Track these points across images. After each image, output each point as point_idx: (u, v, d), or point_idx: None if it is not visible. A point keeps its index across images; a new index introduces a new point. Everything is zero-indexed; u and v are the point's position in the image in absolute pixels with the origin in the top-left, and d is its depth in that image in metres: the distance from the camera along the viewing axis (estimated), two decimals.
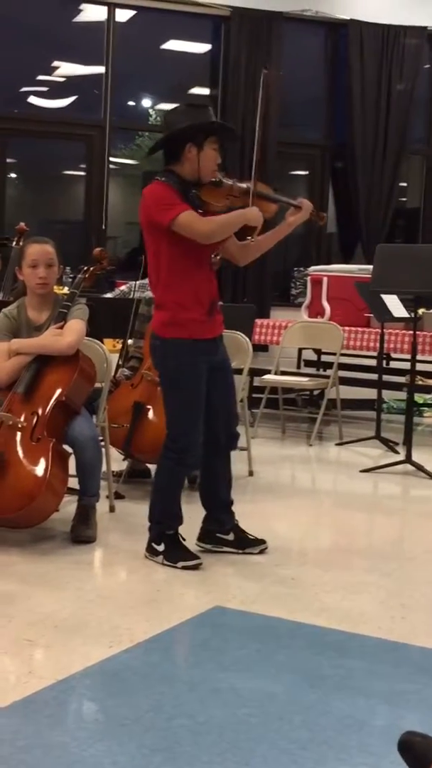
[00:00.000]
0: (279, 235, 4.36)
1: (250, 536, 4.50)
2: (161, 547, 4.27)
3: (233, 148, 9.81)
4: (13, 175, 11.34)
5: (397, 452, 6.90)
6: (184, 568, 4.19)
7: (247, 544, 4.47)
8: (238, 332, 6.06)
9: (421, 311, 7.21)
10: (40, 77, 10.88)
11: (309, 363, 8.81)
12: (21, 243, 5.51)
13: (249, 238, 4.20)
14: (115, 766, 2.51)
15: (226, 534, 4.47)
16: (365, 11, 10.49)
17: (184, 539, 4.31)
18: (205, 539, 4.48)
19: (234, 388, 4.48)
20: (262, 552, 4.46)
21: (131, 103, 11.75)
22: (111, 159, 10.27)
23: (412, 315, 6.77)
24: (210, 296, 4.21)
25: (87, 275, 4.93)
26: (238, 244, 4.34)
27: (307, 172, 11.25)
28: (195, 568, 4.19)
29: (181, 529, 4.33)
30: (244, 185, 4.17)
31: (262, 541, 4.50)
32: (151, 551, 4.29)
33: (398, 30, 10.52)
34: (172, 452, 4.23)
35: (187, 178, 4.13)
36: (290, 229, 4.33)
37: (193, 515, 4.50)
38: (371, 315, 7.72)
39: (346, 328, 7.79)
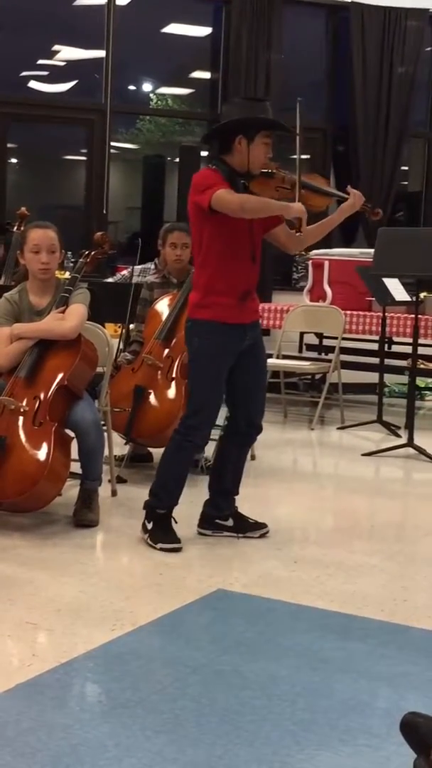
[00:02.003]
0: (329, 226, 4.40)
1: (250, 520, 4.51)
2: (149, 525, 4.29)
3: None
4: (14, 160, 11.31)
5: (398, 436, 6.91)
6: (162, 549, 4.20)
7: (247, 528, 4.48)
8: None
9: (422, 295, 7.21)
10: (41, 61, 10.85)
11: (311, 347, 8.81)
12: (22, 228, 5.50)
13: (296, 232, 4.22)
14: (118, 748, 2.52)
15: (224, 519, 4.48)
16: None
17: (175, 521, 4.32)
18: (205, 524, 4.50)
19: (264, 380, 4.50)
20: (262, 536, 4.47)
21: (132, 87, 11.72)
22: (112, 143, 10.25)
23: (414, 298, 6.76)
24: (245, 285, 4.23)
25: (88, 260, 4.92)
26: (288, 232, 4.35)
27: (308, 156, 11.22)
28: (173, 551, 4.20)
29: (183, 513, 4.33)
30: (295, 177, 4.18)
31: (263, 525, 4.51)
32: (143, 528, 4.32)
33: (399, 12, 10.48)
34: (183, 427, 4.27)
35: (237, 168, 4.17)
36: (341, 219, 4.37)
37: (195, 500, 4.51)
38: (373, 299, 7.72)
39: (348, 311, 7.78)
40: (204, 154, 10.59)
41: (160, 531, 4.26)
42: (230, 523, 4.49)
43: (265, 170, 4.22)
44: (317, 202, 4.31)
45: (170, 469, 4.33)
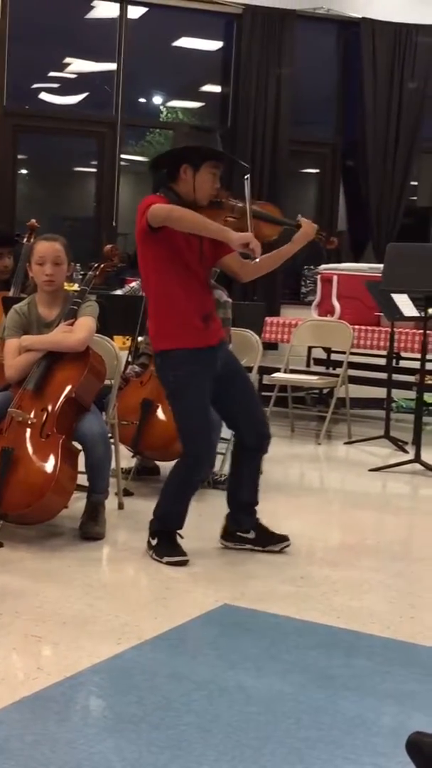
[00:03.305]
0: (283, 256, 4.31)
1: (272, 533, 4.49)
2: (154, 542, 4.28)
3: (243, 152, 9.83)
4: (24, 171, 11.35)
5: (406, 451, 6.89)
6: (169, 563, 4.19)
7: (269, 541, 4.47)
8: (247, 330, 6.05)
9: (431, 310, 7.19)
10: (52, 74, 10.91)
11: (318, 361, 8.80)
12: (32, 239, 5.52)
13: (252, 260, 4.15)
14: (123, 763, 2.51)
15: (246, 533, 4.47)
16: (377, 10, 10.49)
17: (181, 537, 4.31)
18: (228, 537, 4.49)
19: (253, 391, 4.49)
20: (283, 549, 4.46)
21: (142, 100, 11.77)
22: (122, 156, 10.29)
23: (423, 314, 6.75)
24: (204, 309, 4.19)
25: (97, 272, 4.93)
26: (240, 260, 4.31)
27: (317, 171, 11.25)
28: (179, 564, 4.19)
29: (189, 526, 4.33)
30: (246, 207, 4.11)
31: (285, 538, 4.49)
32: (147, 545, 4.31)
33: (410, 28, 10.52)
34: (186, 466, 4.26)
35: (184, 197, 4.12)
36: (294, 250, 4.30)
37: (202, 513, 4.50)
38: (381, 314, 7.71)
39: (356, 326, 7.78)
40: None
41: (165, 546, 4.26)
42: (252, 535, 4.47)
43: (214, 200, 4.16)
44: (268, 231, 4.21)
45: (175, 497, 4.30)
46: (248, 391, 4.44)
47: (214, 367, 4.21)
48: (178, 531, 4.30)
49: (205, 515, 4.80)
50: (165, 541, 4.26)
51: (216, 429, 5.25)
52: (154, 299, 4.20)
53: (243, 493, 4.46)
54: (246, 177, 4.14)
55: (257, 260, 4.09)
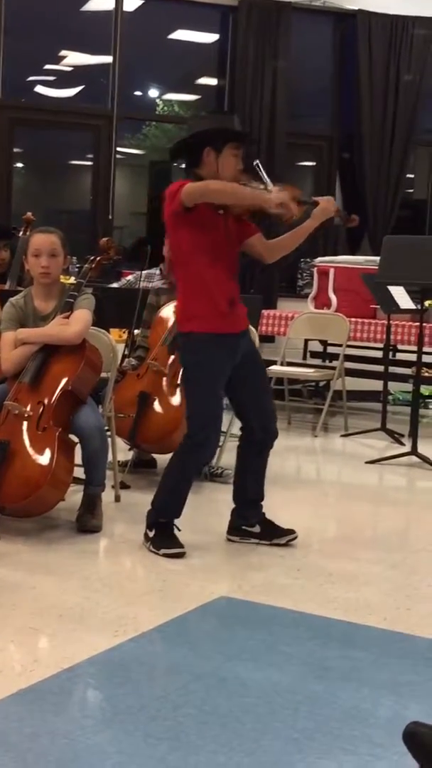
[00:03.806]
0: (304, 233, 4.33)
1: (278, 527, 4.50)
2: (152, 533, 4.28)
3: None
4: (20, 165, 11.33)
5: (402, 444, 6.90)
6: (165, 555, 4.20)
7: (274, 534, 4.47)
8: None
9: (427, 303, 7.18)
10: (48, 66, 10.88)
11: (315, 354, 8.80)
12: (28, 233, 5.51)
13: (287, 222, 4.13)
14: (120, 755, 2.52)
15: (251, 527, 4.48)
16: (374, 1, 10.48)
17: (179, 529, 4.31)
18: (233, 532, 4.50)
19: (267, 385, 4.50)
20: (289, 542, 4.46)
21: (138, 92, 11.75)
22: (118, 149, 10.27)
23: (419, 306, 6.76)
24: (229, 293, 4.20)
25: (93, 265, 4.92)
26: (264, 242, 4.34)
27: (314, 163, 11.24)
28: (177, 556, 4.19)
29: (186, 519, 4.33)
30: (269, 187, 4.15)
31: (291, 531, 4.49)
32: (144, 537, 4.31)
33: (406, 20, 10.50)
34: (188, 446, 4.26)
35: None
36: (315, 225, 4.30)
37: (198, 506, 4.50)
38: (378, 306, 7.71)
39: (353, 319, 7.78)
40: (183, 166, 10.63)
41: (162, 537, 4.26)
42: (257, 529, 4.48)
43: (237, 183, 4.16)
44: (293, 210, 4.26)
45: (174, 485, 4.31)
46: (263, 385, 4.45)
47: (234, 355, 4.23)
48: (176, 523, 4.31)
49: (202, 508, 4.81)
50: (162, 533, 4.26)
51: None
52: (182, 281, 4.23)
53: (249, 489, 4.47)
54: (256, 162, 4.16)
55: (292, 219, 4.08)
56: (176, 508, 4.31)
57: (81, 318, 4.57)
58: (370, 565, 4.30)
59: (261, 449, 4.46)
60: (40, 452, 4.36)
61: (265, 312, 8.28)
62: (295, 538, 4.49)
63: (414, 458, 6.38)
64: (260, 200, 4.05)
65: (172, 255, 4.29)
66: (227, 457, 5.13)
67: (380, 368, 7.69)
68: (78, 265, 6.37)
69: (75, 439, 4.56)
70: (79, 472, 4.63)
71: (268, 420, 4.42)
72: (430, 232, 11.11)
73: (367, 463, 6.42)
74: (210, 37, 10.92)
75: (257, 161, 4.17)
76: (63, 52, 10.77)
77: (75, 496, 4.73)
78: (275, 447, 4.53)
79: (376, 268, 6.87)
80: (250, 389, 4.33)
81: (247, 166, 4.21)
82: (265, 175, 4.13)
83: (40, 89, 10.72)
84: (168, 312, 5.62)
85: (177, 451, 4.33)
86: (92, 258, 4.96)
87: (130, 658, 3.16)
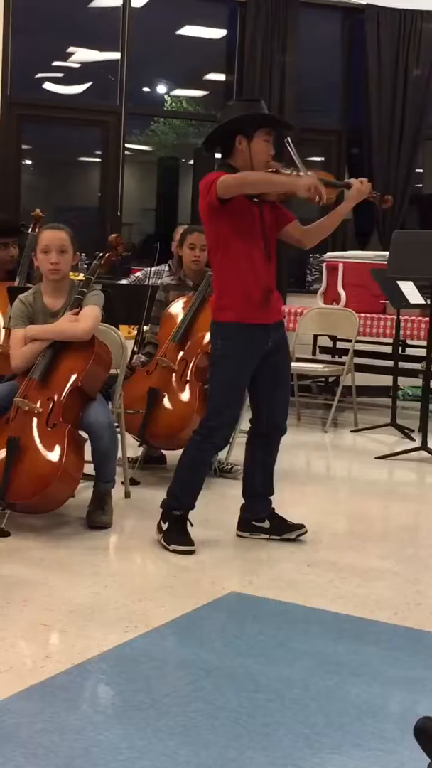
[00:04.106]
0: (340, 216, 4.35)
1: (288, 522, 4.50)
2: (165, 526, 4.29)
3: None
4: (29, 161, 11.34)
5: (412, 439, 6.89)
6: (175, 551, 4.21)
7: (284, 529, 4.47)
8: None
9: None
10: (56, 63, 10.87)
11: (324, 350, 8.79)
12: (36, 229, 5.51)
13: (320, 202, 4.12)
14: (131, 750, 2.52)
15: (261, 522, 4.48)
16: None
17: (191, 524, 4.32)
18: (243, 527, 4.50)
19: (287, 382, 4.51)
20: (299, 537, 4.46)
21: (146, 89, 11.73)
22: (126, 145, 10.26)
23: (428, 301, 6.74)
24: (265, 283, 4.23)
25: (102, 261, 4.92)
26: (300, 228, 4.36)
27: (322, 159, 11.22)
28: (186, 553, 4.20)
29: (195, 515, 4.33)
30: (301, 170, 4.15)
31: (301, 526, 4.50)
32: (158, 528, 4.33)
33: (415, 15, 10.46)
34: (204, 429, 4.29)
35: (243, 169, 4.16)
36: (350, 207, 4.33)
37: (208, 501, 4.50)
38: (387, 301, 7.70)
39: (362, 314, 7.77)
40: (219, 156, 10.61)
41: (174, 532, 4.26)
42: (266, 525, 4.48)
43: (270, 170, 4.19)
44: (327, 193, 4.28)
45: (189, 469, 4.33)
46: (282, 380, 4.45)
47: (264, 346, 4.25)
48: (189, 518, 4.30)
49: (212, 504, 4.81)
50: (175, 527, 4.27)
51: None
52: (218, 271, 4.25)
53: (257, 481, 4.48)
54: (287, 139, 4.19)
55: (327, 201, 4.10)
56: (190, 498, 4.31)
57: (90, 314, 4.57)
58: (380, 561, 4.30)
59: (266, 443, 4.46)
60: (50, 449, 4.36)
61: None
62: (305, 532, 4.49)
63: (424, 453, 6.37)
64: (291, 185, 4.07)
65: (209, 245, 4.32)
66: (237, 452, 5.13)
67: (390, 363, 7.68)
68: (87, 262, 6.38)
69: (85, 435, 4.56)
70: (89, 469, 4.64)
71: (277, 415, 4.42)
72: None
73: (377, 458, 6.42)
74: (218, 33, 10.90)
75: (288, 138, 4.18)
76: (71, 49, 10.76)
77: (85, 492, 4.74)
78: (285, 442, 4.53)
79: (386, 263, 6.86)
80: (268, 380, 4.34)
81: (278, 149, 4.22)
82: (296, 155, 4.14)
83: (48, 86, 10.71)
84: (177, 308, 5.63)
85: (191, 437, 4.35)
86: (101, 254, 4.96)
87: (140, 654, 3.16)
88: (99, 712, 2.79)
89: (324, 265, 8.66)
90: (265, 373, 4.31)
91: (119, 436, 4.88)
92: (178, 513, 4.29)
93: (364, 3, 10.40)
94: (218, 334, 4.26)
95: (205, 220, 4.24)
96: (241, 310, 4.18)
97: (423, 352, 6.88)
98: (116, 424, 4.87)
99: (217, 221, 4.17)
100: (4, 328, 5.07)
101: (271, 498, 4.51)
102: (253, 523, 4.49)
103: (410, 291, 7.16)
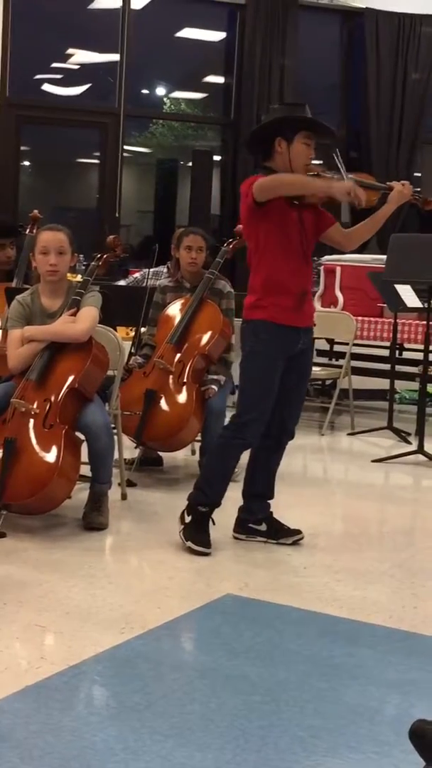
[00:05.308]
0: (382, 218, 4.37)
1: (285, 526, 4.50)
2: (188, 519, 4.30)
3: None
4: (27, 163, 11.34)
5: (409, 442, 6.89)
6: (190, 549, 4.21)
7: (281, 534, 4.47)
8: None
9: None
10: (55, 64, 10.89)
11: (321, 352, 8.79)
12: (35, 230, 5.51)
13: (359, 206, 4.17)
14: (126, 752, 2.52)
15: (258, 524, 4.48)
16: (381, 0, 10.46)
17: (214, 523, 4.32)
18: (239, 529, 4.51)
19: (305, 387, 4.54)
20: (296, 543, 4.46)
21: (145, 91, 11.76)
22: (125, 147, 10.27)
23: (426, 305, 6.75)
24: (301, 285, 4.26)
25: (100, 263, 4.93)
26: (342, 231, 4.40)
27: (320, 162, 11.23)
28: (200, 554, 4.20)
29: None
30: (343, 176, 4.16)
31: (297, 532, 4.49)
32: (180, 518, 4.34)
33: (414, 19, 10.50)
34: (233, 425, 4.32)
35: (281, 171, 4.18)
36: (392, 210, 4.34)
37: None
38: (384, 305, 7.70)
39: (359, 317, 7.77)
40: (217, 158, 10.61)
41: (195, 528, 4.28)
42: (263, 528, 4.49)
43: (310, 173, 4.21)
44: (370, 195, 4.30)
45: (217, 465, 4.38)
46: (300, 387, 4.48)
47: (293, 348, 4.28)
48: (212, 518, 4.31)
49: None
50: (197, 523, 4.28)
51: (220, 418, 5.27)
52: (255, 272, 4.27)
53: (258, 484, 4.48)
54: (335, 151, 4.21)
55: (365, 204, 4.14)
56: (216, 494, 4.33)
57: (88, 315, 4.57)
58: (376, 564, 4.30)
59: (274, 446, 4.48)
60: (47, 450, 4.36)
61: None
62: (302, 538, 4.49)
63: (420, 457, 6.37)
64: (327, 189, 4.11)
65: (249, 247, 4.32)
66: None
67: (387, 367, 7.68)
68: (85, 263, 6.38)
69: (81, 436, 4.56)
70: (85, 470, 4.64)
71: (289, 419, 4.46)
72: None
73: (373, 461, 6.42)
74: (217, 35, 10.92)
75: (337, 150, 4.20)
76: (70, 50, 10.78)
77: (81, 493, 4.74)
78: (284, 450, 4.53)
79: (383, 266, 6.86)
80: (286, 385, 4.35)
81: (323, 156, 4.27)
82: (341, 163, 4.16)
83: (47, 87, 10.73)
84: (174, 310, 5.63)
85: (221, 433, 4.40)
86: (99, 256, 4.96)
87: (136, 656, 3.16)
88: (94, 713, 2.79)
89: (322, 268, 8.66)
90: (288, 376, 4.33)
91: (116, 437, 4.87)
92: (204, 510, 4.30)
93: (363, 7, 10.43)
94: (250, 332, 4.28)
95: (245, 222, 4.27)
96: (275, 312, 4.20)
97: (420, 356, 6.88)
98: (113, 425, 4.86)
99: (256, 224, 4.19)
100: (1, 328, 5.06)
101: (270, 501, 4.52)
102: (250, 525, 4.49)
103: (408, 294, 7.17)
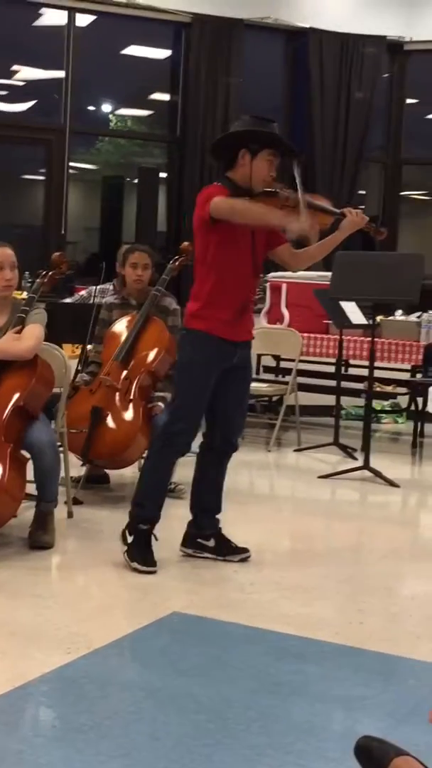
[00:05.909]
0: (332, 244, 4.41)
1: (233, 544, 4.50)
2: (130, 539, 4.28)
3: (193, 161, 9.85)
4: None
5: (355, 458, 6.93)
6: (135, 570, 4.19)
7: (228, 551, 4.47)
8: None
9: (379, 318, 7.25)
10: (0, 81, 10.83)
11: (268, 369, 8.82)
12: None
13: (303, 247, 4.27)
14: None
15: (206, 540, 4.48)
16: (325, 19, 10.56)
17: (156, 539, 4.31)
18: (187, 543, 4.50)
19: (245, 400, 4.55)
20: (243, 560, 4.46)
21: (91, 107, 11.74)
22: (70, 163, 10.24)
23: (371, 322, 6.81)
24: (244, 297, 4.29)
25: (46, 280, 4.90)
26: (291, 251, 4.41)
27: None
28: (146, 573, 4.19)
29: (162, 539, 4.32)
30: (299, 196, 4.17)
31: (245, 550, 4.50)
32: (122, 537, 4.32)
33: (357, 39, 10.60)
34: (164, 434, 4.32)
35: (240, 184, 4.21)
36: (342, 238, 4.39)
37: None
38: (330, 322, 7.75)
39: (305, 334, 7.81)
40: (163, 175, 10.63)
41: (138, 548, 4.25)
42: (212, 543, 4.48)
43: (268, 188, 4.23)
44: (323, 219, 4.33)
45: (151, 476, 4.37)
46: (241, 399, 4.49)
47: (229, 361, 4.29)
48: (154, 533, 4.30)
49: (161, 522, 4.79)
50: (140, 543, 4.27)
51: None
52: (199, 282, 4.28)
53: (205, 496, 4.49)
54: (295, 162, 4.26)
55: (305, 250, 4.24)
56: (156, 504, 4.32)
57: (33, 333, 4.55)
58: (322, 580, 4.32)
59: (219, 458, 4.49)
60: None
61: None
62: (249, 556, 4.49)
63: (366, 473, 6.41)
64: (284, 225, 4.13)
65: (197, 256, 4.33)
66: (181, 472, 5.12)
67: (333, 383, 7.72)
68: (30, 280, 6.34)
69: (27, 454, 4.53)
70: (31, 488, 4.60)
71: (232, 432, 4.47)
72: (381, 248, 11.17)
73: (319, 477, 6.44)
74: (163, 53, 10.95)
75: (296, 166, 4.23)
76: (15, 67, 10.73)
77: (27, 512, 4.70)
78: (229, 462, 4.53)
79: (329, 283, 6.91)
80: (228, 399, 4.36)
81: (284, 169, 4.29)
82: (299, 180, 4.17)
83: None
84: (120, 327, 5.61)
85: (152, 442, 4.41)
86: (44, 273, 4.94)
87: (82, 676, 3.14)
88: (39, 735, 2.76)
89: (267, 284, 8.69)
90: (228, 391, 4.34)
91: (62, 455, 4.85)
92: (145, 527, 4.28)
93: (307, 26, 10.51)
94: (188, 340, 4.32)
95: (196, 231, 4.28)
96: (214, 324, 4.22)
97: (365, 372, 6.93)
98: (59, 443, 4.84)
99: (206, 235, 4.21)
100: None
101: (218, 516, 4.51)
102: (198, 540, 4.48)
103: (353, 311, 7.23)
